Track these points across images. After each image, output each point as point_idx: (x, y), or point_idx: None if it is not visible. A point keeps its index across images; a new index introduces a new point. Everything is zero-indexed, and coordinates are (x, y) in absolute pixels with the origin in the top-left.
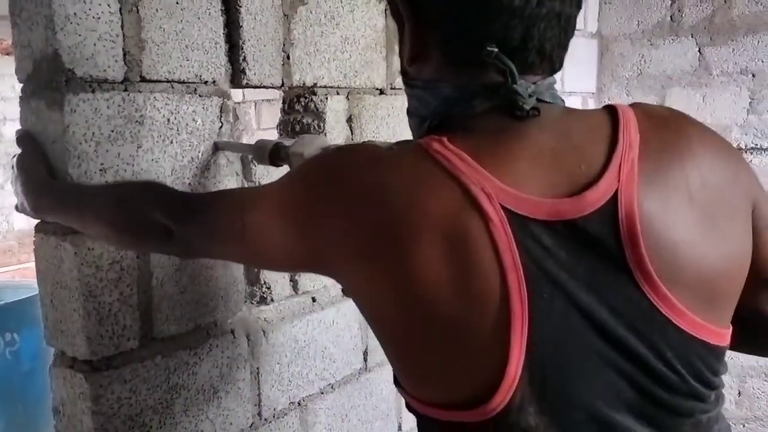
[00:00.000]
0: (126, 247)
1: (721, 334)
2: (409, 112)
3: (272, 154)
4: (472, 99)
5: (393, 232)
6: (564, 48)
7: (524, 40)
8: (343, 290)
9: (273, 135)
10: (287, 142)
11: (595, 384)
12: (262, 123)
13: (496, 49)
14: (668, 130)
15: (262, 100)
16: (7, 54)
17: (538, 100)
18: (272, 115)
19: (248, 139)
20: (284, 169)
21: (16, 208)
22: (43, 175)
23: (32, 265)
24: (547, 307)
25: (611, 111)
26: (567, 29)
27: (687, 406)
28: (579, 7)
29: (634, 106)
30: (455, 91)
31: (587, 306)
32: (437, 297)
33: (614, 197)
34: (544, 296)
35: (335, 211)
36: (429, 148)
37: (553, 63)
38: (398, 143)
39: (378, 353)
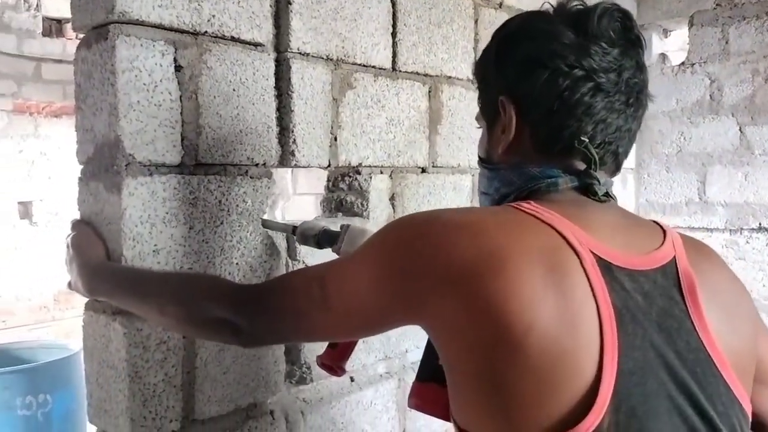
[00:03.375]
0: (192, 337)
1: (749, 405)
2: (484, 193)
3: (319, 237)
4: (556, 178)
5: (497, 257)
6: (626, 156)
7: (604, 143)
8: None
9: (309, 200)
10: (332, 226)
11: (664, 425)
12: (298, 188)
13: (587, 140)
14: (696, 243)
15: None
16: (55, 116)
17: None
18: (308, 181)
19: (285, 205)
20: (326, 252)
21: (69, 285)
22: (101, 258)
23: (66, 322)
24: (631, 341)
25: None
26: (632, 142)
27: None
28: (639, 127)
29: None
30: (541, 172)
31: (659, 345)
32: (538, 316)
33: (673, 260)
34: (629, 330)
35: (441, 252)
36: (518, 206)
37: (618, 166)
38: None
39: None
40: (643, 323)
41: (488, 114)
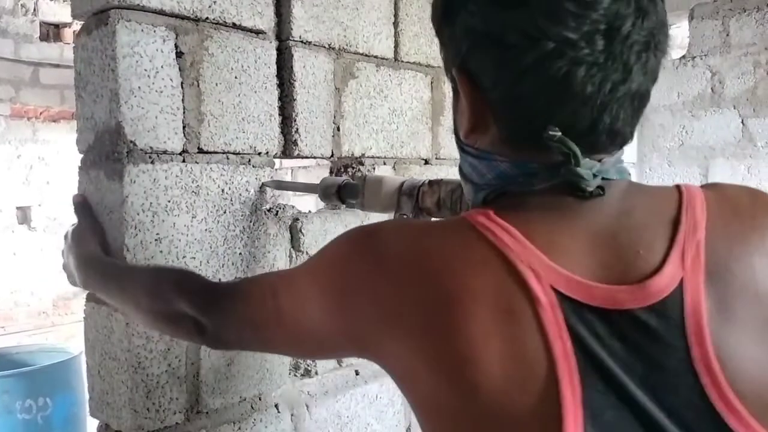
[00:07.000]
0: (165, 334)
1: None
2: (463, 175)
3: (341, 192)
4: (531, 177)
5: (434, 306)
6: (637, 121)
7: (593, 124)
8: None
9: (309, 200)
10: (354, 180)
11: None
12: None
13: (558, 133)
14: (739, 217)
15: (299, 167)
16: (53, 121)
17: (603, 178)
18: (308, 180)
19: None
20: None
21: (70, 281)
22: (94, 250)
23: (66, 327)
24: (601, 403)
25: (678, 190)
26: (641, 106)
27: None
28: (655, 80)
29: (708, 186)
30: (512, 167)
31: (643, 407)
32: (485, 377)
33: (679, 287)
34: (598, 390)
35: (376, 285)
36: (473, 220)
37: (624, 139)
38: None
39: None
40: (620, 379)
41: (450, 78)
